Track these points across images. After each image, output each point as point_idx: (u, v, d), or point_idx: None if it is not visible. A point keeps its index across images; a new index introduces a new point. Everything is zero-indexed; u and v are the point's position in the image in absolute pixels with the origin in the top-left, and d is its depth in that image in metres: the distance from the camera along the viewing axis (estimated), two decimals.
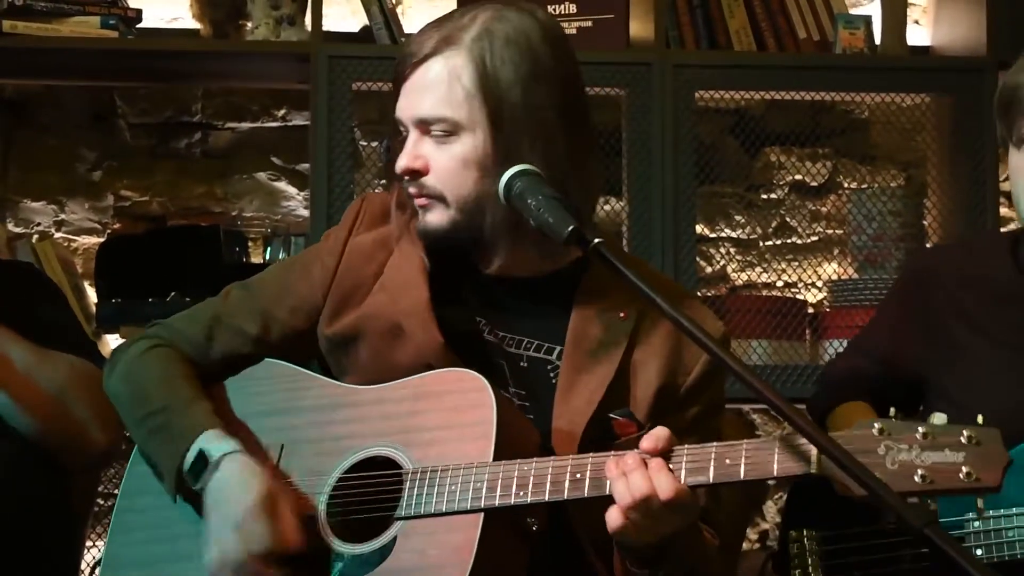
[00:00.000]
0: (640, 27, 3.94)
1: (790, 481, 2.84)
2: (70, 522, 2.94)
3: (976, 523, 2.56)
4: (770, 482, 4.02)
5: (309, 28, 3.88)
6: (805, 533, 2.73)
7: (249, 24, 4.00)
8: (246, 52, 3.98)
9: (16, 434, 2.79)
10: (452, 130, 2.15)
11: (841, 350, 3.27)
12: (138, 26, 3.94)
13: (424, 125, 2.17)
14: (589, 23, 3.90)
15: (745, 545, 4.15)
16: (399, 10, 4.10)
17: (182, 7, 4.17)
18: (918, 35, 4.24)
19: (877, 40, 4.04)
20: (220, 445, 2.19)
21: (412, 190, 2.20)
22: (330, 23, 4.00)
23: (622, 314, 2.19)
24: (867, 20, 4.02)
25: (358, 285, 2.28)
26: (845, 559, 2.69)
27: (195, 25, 4.12)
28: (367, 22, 3.95)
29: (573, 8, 3.91)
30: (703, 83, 3.89)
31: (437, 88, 2.15)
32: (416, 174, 2.18)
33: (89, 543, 3.21)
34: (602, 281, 2.19)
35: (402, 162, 2.18)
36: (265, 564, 2.10)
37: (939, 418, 1.89)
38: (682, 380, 2.20)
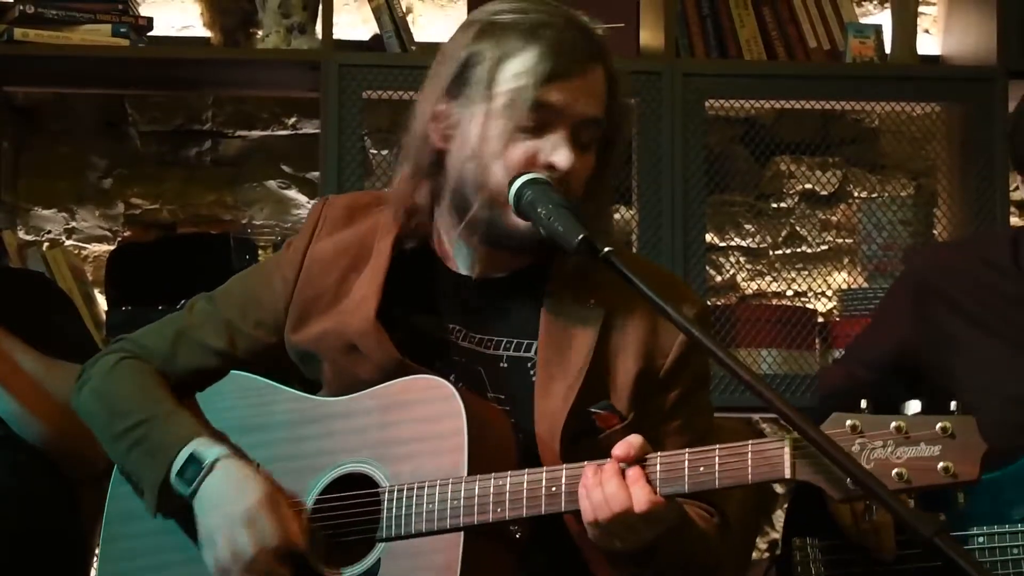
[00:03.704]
0: (650, 36, 3.94)
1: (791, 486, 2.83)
2: (79, 530, 2.94)
3: (980, 539, 2.55)
4: (778, 490, 4.02)
5: (320, 36, 3.89)
6: (808, 541, 2.73)
7: (260, 32, 4.01)
8: (257, 60, 3.98)
9: (25, 443, 2.79)
10: (596, 139, 2.15)
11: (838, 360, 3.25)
12: (149, 34, 3.94)
13: (586, 128, 2.13)
14: (599, 31, 3.90)
15: (754, 554, 4.14)
16: (409, 19, 4.10)
17: (193, 15, 4.18)
18: (928, 44, 4.24)
19: (887, 49, 4.04)
20: (213, 449, 2.18)
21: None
22: (340, 32, 4.00)
23: (592, 301, 2.16)
24: (877, 29, 4.02)
25: (318, 295, 2.25)
26: (848, 569, 2.69)
27: (206, 33, 4.13)
28: (377, 31, 3.96)
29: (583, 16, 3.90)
30: (713, 92, 3.89)
31: (601, 91, 2.14)
32: (568, 175, 2.11)
33: (97, 550, 3.21)
34: (571, 272, 2.17)
35: (567, 159, 2.10)
36: (278, 560, 2.09)
37: (913, 406, 1.87)
38: (661, 362, 2.17)
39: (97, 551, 2.37)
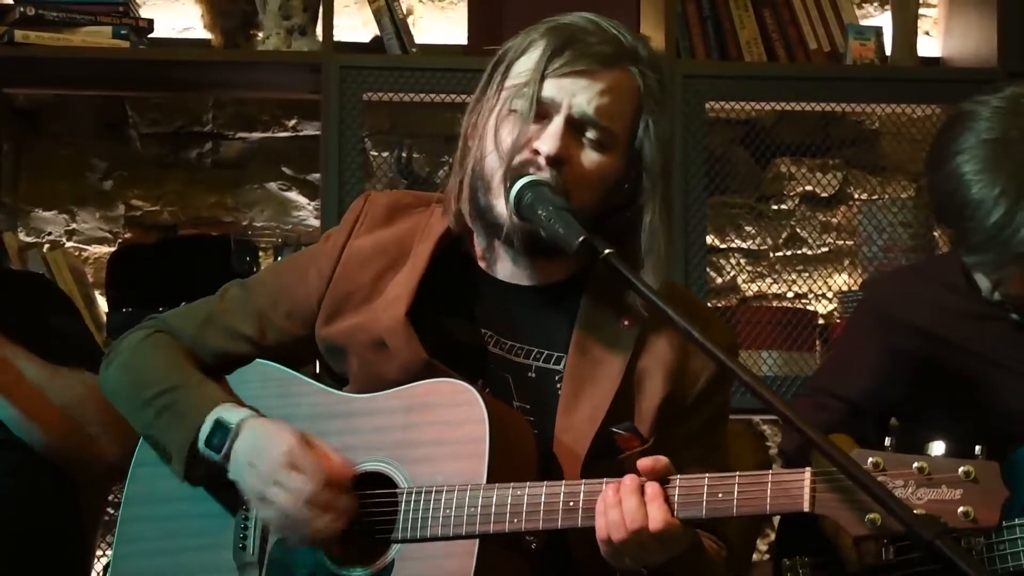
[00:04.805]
0: (650, 37, 3.93)
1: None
2: (80, 530, 2.94)
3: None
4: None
5: (320, 38, 3.89)
6: (798, 560, 2.73)
7: (260, 34, 4.01)
8: (257, 62, 3.98)
9: (25, 444, 2.79)
10: (608, 143, 2.14)
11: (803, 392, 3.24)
12: (149, 36, 3.95)
13: (584, 124, 2.14)
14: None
15: (754, 556, 4.14)
16: (410, 21, 4.11)
17: (193, 17, 4.18)
18: (929, 46, 4.24)
19: (888, 51, 4.04)
20: (237, 412, 2.18)
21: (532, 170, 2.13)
22: (341, 33, 4.00)
23: (626, 322, 2.18)
24: (878, 31, 4.02)
25: (353, 291, 2.26)
26: None
27: (206, 35, 4.13)
28: (378, 32, 3.96)
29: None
30: (713, 94, 3.89)
31: (616, 97, 2.14)
32: (559, 164, 2.12)
33: (99, 552, 3.21)
34: (607, 289, 2.18)
35: (552, 146, 2.11)
36: (337, 492, 2.08)
37: (936, 448, 1.85)
38: (688, 390, 2.18)
39: (112, 536, 2.37)
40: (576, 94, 2.13)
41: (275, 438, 2.13)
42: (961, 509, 1.80)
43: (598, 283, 2.19)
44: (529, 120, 2.13)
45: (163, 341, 2.35)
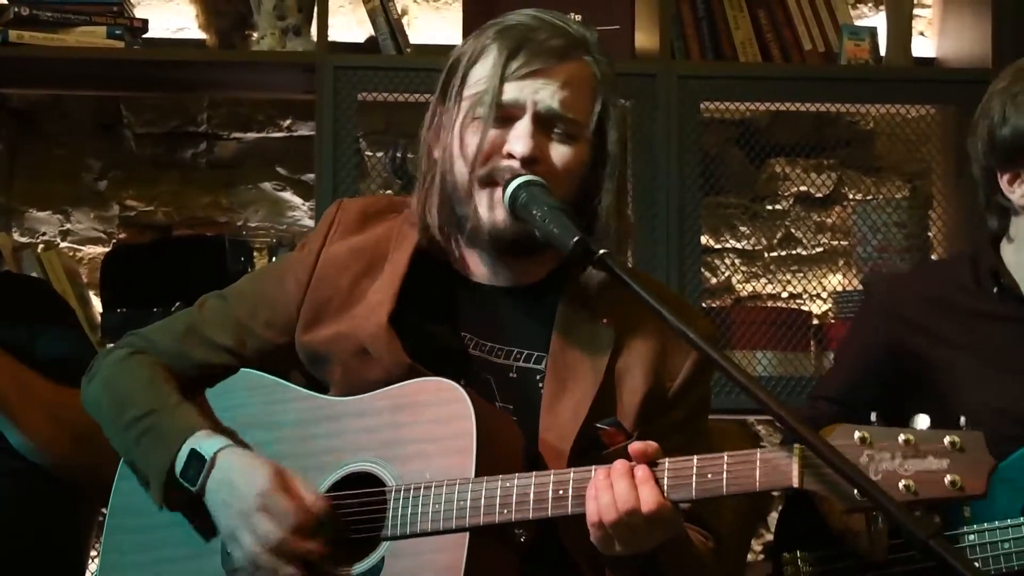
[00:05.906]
0: (645, 38, 3.94)
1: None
2: (78, 533, 2.95)
3: (971, 536, 2.56)
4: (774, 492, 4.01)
5: (315, 38, 3.89)
6: (797, 555, 2.74)
7: (255, 34, 4.01)
8: (252, 62, 3.98)
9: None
10: (576, 134, 2.17)
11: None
12: (144, 36, 3.95)
13: (551, 119, 2.16)
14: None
15: (749, 557, 4.14)
16: (404, 21, 4.11)
17: (188, 17, 4.18)
18: (923, 46, 4.24)
19: (882, 51, 4.04)
20: (212, 442, 2.17)
21: (509, 176, 2.15)
22: (336, 34, 4.00)
23: (605, 320, 2.19)
24: (872, 31, 4.02)
25: (330, 297, 2.26)
26: None
27: (201, 35, 4.13)
28: (373, 33, 3.96)
29: (578, 18, 3.89)
30: (708, 94, 3.89)
31: (576, 87, 2.17)
32: (534, 163, 2.14)
33: (93, 552, 3.21)
34: (585, 287, 2.19)
35: (526, 146, 2.14)
36: (304, 539, 2.07)
37: (922, 421, 1.86)
38: (669, 384, 2.20)
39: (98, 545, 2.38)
40: (538, 91, 2.16)
41: (250, 476, 2.12)
42: (948, 478, 1.82)
43: (575, 281, 2.20)
44: (491, 124, 2.15)
45: (143, 362, 2.33)
